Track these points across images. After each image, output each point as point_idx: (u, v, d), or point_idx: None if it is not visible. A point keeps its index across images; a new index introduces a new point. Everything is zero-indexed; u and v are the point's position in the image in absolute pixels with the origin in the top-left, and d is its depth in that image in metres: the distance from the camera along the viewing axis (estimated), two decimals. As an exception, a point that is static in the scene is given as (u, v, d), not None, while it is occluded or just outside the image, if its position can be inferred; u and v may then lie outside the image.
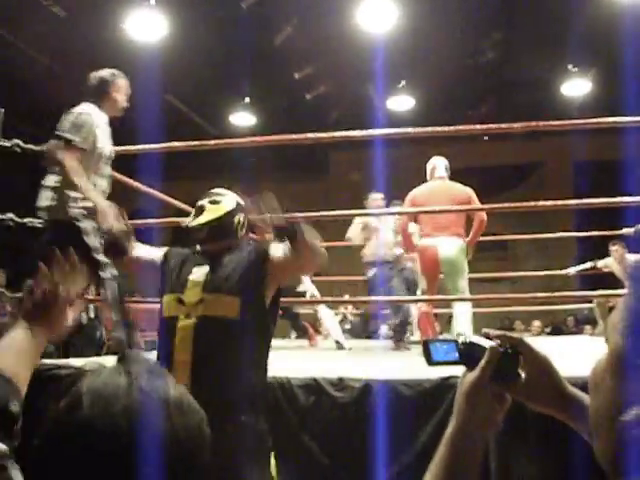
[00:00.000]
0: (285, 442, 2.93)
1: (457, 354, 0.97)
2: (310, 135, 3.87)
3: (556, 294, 4.92)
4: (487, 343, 0.94)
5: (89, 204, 3.33)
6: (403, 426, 2.75)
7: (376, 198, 6.05)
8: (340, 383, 2.97)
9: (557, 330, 10.81)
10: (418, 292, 5.96)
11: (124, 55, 7.88)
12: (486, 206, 5.06)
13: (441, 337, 0.98)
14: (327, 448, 2.90)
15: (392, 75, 9.11)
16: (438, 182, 4.93)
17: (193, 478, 0.75)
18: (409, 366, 3.70)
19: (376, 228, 5.91)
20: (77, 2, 7.48)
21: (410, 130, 3.80)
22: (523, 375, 0.95)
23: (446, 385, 2.83)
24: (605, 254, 7.02)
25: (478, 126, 3.69)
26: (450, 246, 4.71)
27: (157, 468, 0.71)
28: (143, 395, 0.75)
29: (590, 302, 7.50)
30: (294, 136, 3.96)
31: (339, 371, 3.12)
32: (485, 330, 0.98)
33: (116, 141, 3.77)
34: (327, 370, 3.21)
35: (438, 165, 5.01)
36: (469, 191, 4.74)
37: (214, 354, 2.26)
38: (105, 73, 3.68)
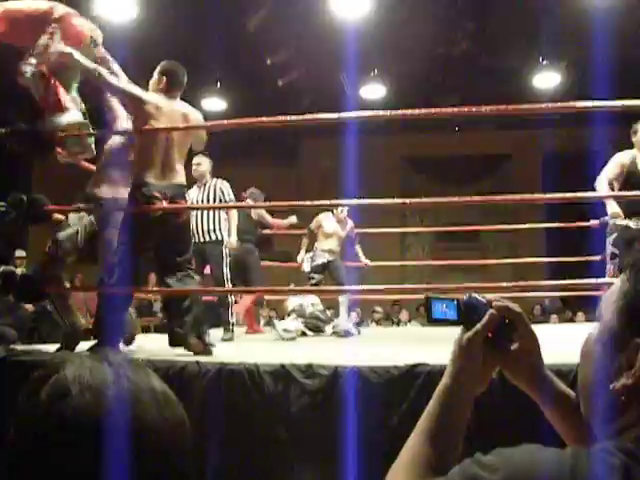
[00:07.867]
0: (253, 429, 2.92)
1: (456, 314, 1.00)
2: (281, 118, 3.85)
3: (526, 283, 5.00)
4: (488, 308, 0.99)
5: None
6: (372, 412, 2.76)
7: None
8: (309, 370, 2.96)
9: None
10: None
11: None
12: (455, 199, 5.10)
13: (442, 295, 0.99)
14: (296, 435, 2.89)
15: (365, 63, 9.08)
16: None
17: (185, 464, 0.76)
18: (378, 353, 3.71)
19: None
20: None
21: (380, 113, 3.81)
22: (513, 347, 0.99)
23: (414, 372, 2.84)
24: (574, 244, 7.10)
25: (449, 109, 3.76)
26: None
27: (150, 456, 0.71)
28: (131, 384, 0.74)
29: (559, 291, 7.61)
30: (265, 119, 3.92)
31: (308, 358, 3.11)
32: (488, 296, 1.01)
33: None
34: (296, 357, 3.20)
35: None
36: None
37: None
38: None
